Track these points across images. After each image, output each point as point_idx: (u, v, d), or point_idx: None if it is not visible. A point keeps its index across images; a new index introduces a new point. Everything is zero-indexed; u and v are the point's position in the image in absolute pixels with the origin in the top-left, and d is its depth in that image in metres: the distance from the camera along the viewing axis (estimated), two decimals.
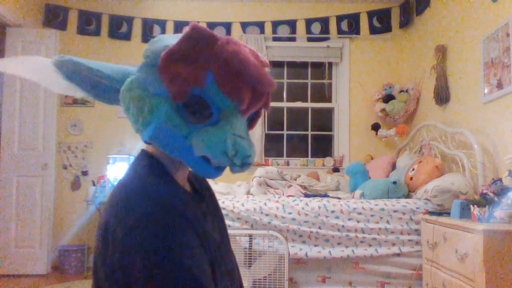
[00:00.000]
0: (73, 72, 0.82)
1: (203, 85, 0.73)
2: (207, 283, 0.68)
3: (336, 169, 4.18)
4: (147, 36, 4.33)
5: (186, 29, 0.75)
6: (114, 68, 0.83)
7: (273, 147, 4.49)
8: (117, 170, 3.97)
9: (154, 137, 0.76)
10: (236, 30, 4.39)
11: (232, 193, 3.35)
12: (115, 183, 0.81)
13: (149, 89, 0.75)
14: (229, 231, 1.13)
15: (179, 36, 0.77)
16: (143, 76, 0.77)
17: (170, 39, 0.78)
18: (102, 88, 0.83)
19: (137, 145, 4.16)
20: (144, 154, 0.84)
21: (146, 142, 0.82)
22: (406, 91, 4.04)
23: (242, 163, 0.76)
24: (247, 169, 0.79)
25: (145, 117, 0.74)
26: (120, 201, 0.72)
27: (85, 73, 0.81)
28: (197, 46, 0.73)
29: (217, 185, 3.46)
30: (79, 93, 0.85)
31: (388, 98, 4.10)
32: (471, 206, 2.09)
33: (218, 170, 0.78)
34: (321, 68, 4.46)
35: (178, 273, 0.65)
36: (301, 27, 4.41)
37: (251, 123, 0.84)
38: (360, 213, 2.71)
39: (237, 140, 0.74)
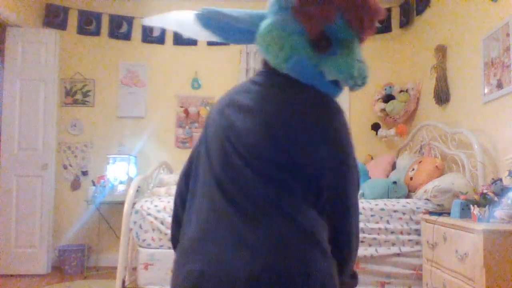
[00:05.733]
0: (212, 20, 0.98)
1: (332, 22, 0.87)
2: None
3: None
4: (147, 36, 4.33)
5: None
6: (249, 13, 0.98)
7: None
8: (117, 170, 3.97)
9: (293, 69, 0.90)
10: None
11: None
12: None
13: (287, 29, 0.89)
14: None
15: None
16: (280, 18, 0.90)
17: None
18: (236, 31, 0.99)
19: (137, 145, 4.16)
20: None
21: (282, 74, 0.93)
22: (406, 91, 4.04)
23: (362, 83, 0.94)
24: (364, 86, 0.96)
25: (286, 52, 0.89)
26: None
27: (225, 20, 0.97)
28: None
29: None
30: (214, 38, 1.02)
31: (388, 98, 4.09)
32: (471, 206, 2.09)
33: (341, 89, 0.97)
34: None
35: None
36: None
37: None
38: (360, 213, 2.70)
39: (360, 65, 0.92)
